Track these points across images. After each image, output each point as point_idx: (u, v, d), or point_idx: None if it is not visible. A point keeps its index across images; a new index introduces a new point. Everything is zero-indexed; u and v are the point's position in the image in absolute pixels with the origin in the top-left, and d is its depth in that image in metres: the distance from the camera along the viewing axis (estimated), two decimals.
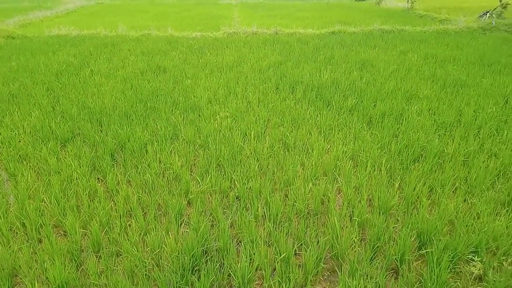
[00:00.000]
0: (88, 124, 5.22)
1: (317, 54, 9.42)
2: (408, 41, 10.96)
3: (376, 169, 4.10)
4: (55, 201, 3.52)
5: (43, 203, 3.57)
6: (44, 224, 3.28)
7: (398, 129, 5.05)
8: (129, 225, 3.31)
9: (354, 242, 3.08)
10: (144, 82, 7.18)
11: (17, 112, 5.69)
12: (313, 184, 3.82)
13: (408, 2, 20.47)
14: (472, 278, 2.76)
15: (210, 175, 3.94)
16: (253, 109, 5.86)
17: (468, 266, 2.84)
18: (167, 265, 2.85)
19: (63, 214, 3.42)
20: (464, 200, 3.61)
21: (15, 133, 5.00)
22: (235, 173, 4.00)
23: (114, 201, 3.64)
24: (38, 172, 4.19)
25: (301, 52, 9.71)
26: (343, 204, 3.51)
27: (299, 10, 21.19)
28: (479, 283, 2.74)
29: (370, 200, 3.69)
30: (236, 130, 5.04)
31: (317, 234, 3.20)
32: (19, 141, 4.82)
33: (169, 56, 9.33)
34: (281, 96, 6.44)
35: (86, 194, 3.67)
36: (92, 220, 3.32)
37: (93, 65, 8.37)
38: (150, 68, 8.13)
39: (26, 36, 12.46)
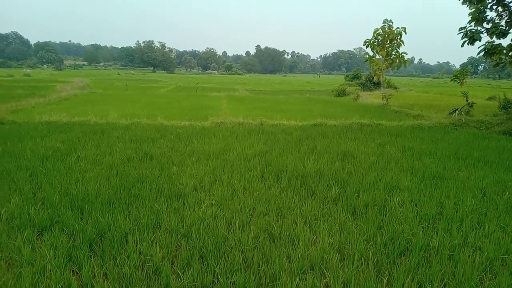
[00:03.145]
0: (69, 211, 5.09)
1: (301, 144, 9.81)
2: (386, 134, 11.61)
3: (363, 263, 4.01)
4: None
5: None
6: None
7: (382, 220, 5.07)
8: None
9: None
10: (130, 168, 7.21)
11: None
12: (300, 279, 3.68)
13: (383, 98, 22.18)
14: None
15: (192, 268, 3.77)
16: (238, 197, 5.87)
17: None
18: None
19: None
20: None
21: None
22: (218, 266, 3.84)
23: None
24: (9, 263, 3.93)
25: (285, 142, 10.10)
26: None
27: (282, 103, 22.59)
28: None
29: None
30: (220, 219, 4.98)
31: None
32: None
33: (157, 144, 9.55)
34: (267, 184, 6.51)
35: None
36: None
37: (80, 151, 8.44)
38: (138, 155, 8.25)
39: (15, 122, 12.69)
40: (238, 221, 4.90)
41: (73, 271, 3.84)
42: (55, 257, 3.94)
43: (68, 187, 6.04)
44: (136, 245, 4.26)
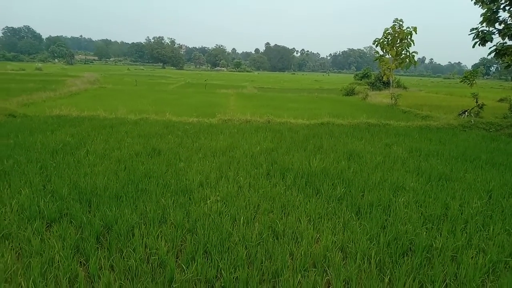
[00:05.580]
0: (77, 204, 5.19)
1: (307, 143, 9.83)
2: (393, 134, 11.57)
3: (365, 262, 4.04)
4: (32, 285, 3.35)
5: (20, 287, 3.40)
6: None
7: (386, 220, 5.09)
8: None
9: None
10: (138, 163, 7.31)
11: (7, 189, 5.67)
12: (302, 276, 3.73)
13: (392, 98, 22.04)
14: None
15: (196, 262, 3.84)
16: (243, 194, 5.92)
17: None
18: None
19: None
20: None
21: (1, 211, 4.92)
22: (222, 261, 3.91)
23: None
24: (19, 253, 4.04)
25: (291, 140, 10.13)
26: None
27: (290, 101, 22.58)
28: None
29: None
30: (225, 215, 5.04)
31: None
32: (4, 219, 4.72)
33: (165, 139, 9.64)
34: (272, 182, 6.56)
35: (66, 279, 3.51)
36: None
37: (89, 146, 8.57)
38: (146, 150, 8.35)
39: (27, 115, 12.91)
40: (242, 218, 4.95)
41: (80, 262, 3.94)
42: (63, 248, 4.04)
43: (77, 180, 6.16)
44: (142, 239, 4.34)
